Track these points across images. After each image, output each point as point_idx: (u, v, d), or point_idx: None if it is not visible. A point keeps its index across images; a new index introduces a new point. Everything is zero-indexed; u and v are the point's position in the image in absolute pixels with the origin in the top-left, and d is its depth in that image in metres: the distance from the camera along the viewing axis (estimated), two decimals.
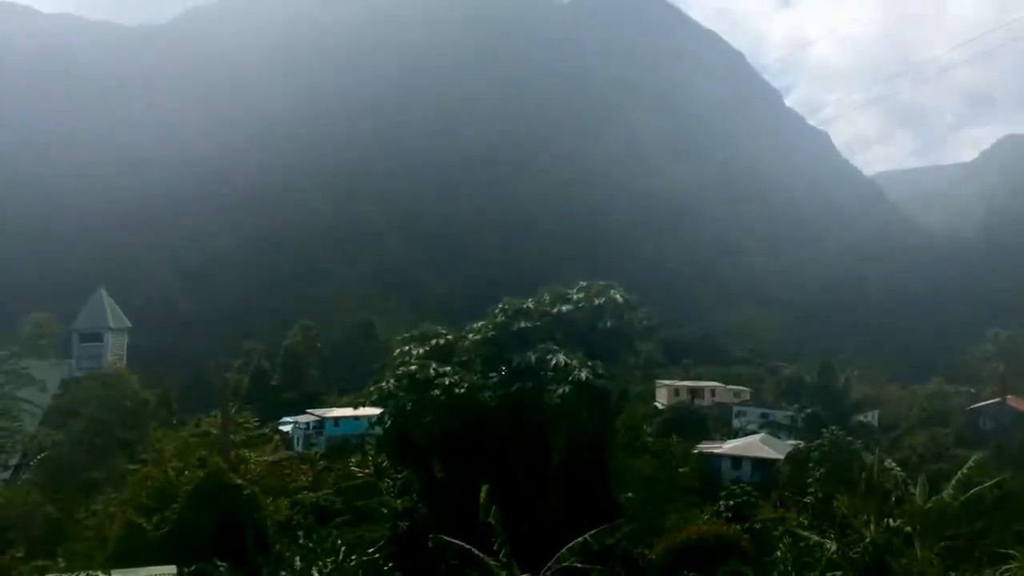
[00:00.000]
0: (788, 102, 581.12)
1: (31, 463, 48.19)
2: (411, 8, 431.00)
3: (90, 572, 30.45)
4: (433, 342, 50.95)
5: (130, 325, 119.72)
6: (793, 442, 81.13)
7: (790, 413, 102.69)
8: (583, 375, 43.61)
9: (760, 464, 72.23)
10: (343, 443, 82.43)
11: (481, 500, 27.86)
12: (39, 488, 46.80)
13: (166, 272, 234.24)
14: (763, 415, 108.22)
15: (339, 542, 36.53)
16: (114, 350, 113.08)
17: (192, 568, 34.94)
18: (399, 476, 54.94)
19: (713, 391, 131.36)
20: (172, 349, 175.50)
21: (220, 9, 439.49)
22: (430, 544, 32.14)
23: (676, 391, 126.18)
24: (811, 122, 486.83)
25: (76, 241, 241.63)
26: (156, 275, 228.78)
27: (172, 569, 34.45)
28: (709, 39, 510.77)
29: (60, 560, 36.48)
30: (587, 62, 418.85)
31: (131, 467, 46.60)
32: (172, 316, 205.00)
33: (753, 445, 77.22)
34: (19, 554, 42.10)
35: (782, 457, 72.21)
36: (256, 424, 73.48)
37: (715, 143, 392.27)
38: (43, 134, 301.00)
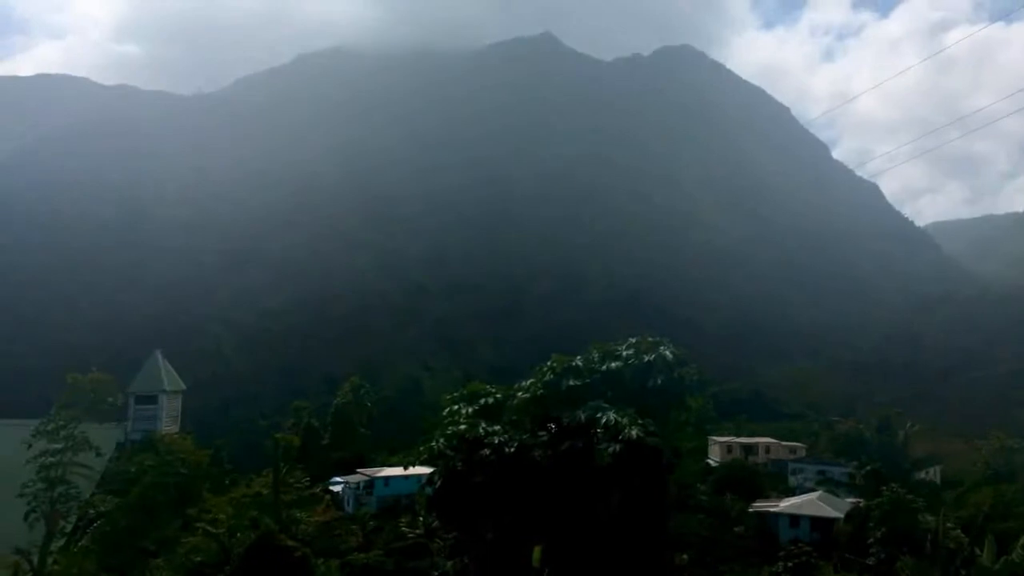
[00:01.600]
0: (836, 154, 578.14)
1: (87, 529, 48.56)
2: (460, 70, 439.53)
3: None
4: (482, 401, 50.81)
5: (185, 388, 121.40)
6: (853, 500, 78.92)
7: (848, 470, 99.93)
8: (634, 433, 43.06)
9: (819, 523, 70.13)
10: (394, 503, 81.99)
11: (534, 561, 27.49)
12: (94, 554, 47.08)
13: (219, 332, 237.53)
14: (820, 472, 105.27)
15: None
16: (169, 412, 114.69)
17: None
18: (450, 536, 54.45)
19: (767, 447, 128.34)
20: (225, 408, 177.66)
21: (269, 77, 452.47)
22: None
23: (729, 448, 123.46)
24: (860, 174, 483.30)
25: (133, 304, 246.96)
26: (210, 335, 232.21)
27: None
28: (755, 94, 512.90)
29: None
30: (635, 119, 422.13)
31: (184, 540, 47.10)
32: (225, 374, 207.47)
33: (811, 503, 75.03)
34: None
35: (842, 516, 70.21)
36: (307, 484, 73.69)
37: (763, 196, 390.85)
38: (100, 199, 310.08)
